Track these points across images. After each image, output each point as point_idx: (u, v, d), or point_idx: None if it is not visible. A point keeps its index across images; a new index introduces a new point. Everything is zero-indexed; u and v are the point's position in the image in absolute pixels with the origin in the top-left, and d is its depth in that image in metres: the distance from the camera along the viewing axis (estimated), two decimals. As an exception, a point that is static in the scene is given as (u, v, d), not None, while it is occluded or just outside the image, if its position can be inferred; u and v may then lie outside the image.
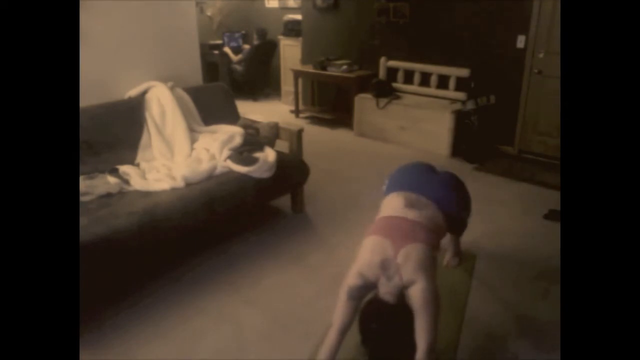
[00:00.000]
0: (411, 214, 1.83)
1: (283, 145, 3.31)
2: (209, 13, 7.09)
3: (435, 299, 1.62)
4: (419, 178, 2.08)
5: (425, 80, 4.99)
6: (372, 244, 1.73)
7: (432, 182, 2.05)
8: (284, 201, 3.38)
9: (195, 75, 3.66)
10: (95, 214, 2.30)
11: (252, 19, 7.41)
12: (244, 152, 2.99)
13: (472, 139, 4.42)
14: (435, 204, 1.92)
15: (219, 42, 7.06)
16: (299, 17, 6.24)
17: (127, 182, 2.66)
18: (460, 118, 4.47)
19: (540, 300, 2.40)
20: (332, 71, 5.45)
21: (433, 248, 1.76)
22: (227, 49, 6.91)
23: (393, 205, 1.92)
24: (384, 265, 1.65)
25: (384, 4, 5.09)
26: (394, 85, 5.16)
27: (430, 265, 1.69)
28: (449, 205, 1.97)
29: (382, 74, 5.26)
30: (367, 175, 4.03)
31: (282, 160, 3.04)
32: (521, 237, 3.04)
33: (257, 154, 2.99)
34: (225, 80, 6.62)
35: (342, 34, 5.64)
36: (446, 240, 2.24)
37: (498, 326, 2.22)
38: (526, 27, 4.25)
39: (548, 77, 4.24)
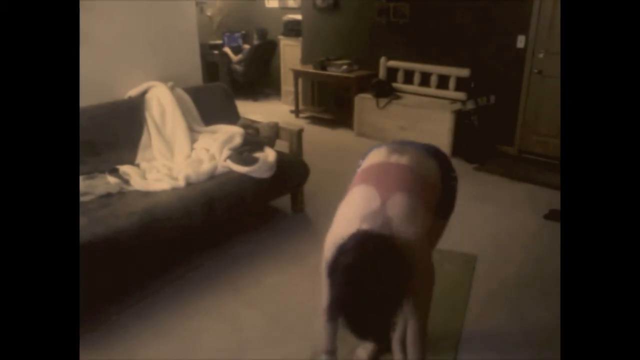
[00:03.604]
0: (403, 159, 1.61)
1: (283, 145, 3.31)
2: (209, 13, 7.08)
3: (427, 261, 1.47)
4: (398, 142, 1.88)
5: (425, 80, 4.99)
6: (351, 204, 1.55)
7: (412, 144, 1.82)
8: (284, 201, 3.38)
9: (195, 75, 3.66)
10: (95, 214, 2.30)
11: (252, 19, 7.40)
12: (244, 152, 2.99)
13: (472, 139, 4.42)
14: (423, 151, 1.72)
15: (219, 42, 7.05)
16: (299, 17, 6.24)
17: (127, 182, 2.66)
18: (460, 118, 4.47)
19: (540, 300, 2.40)
20: (332, 71, 5.45)
21: (427, 205, 1.53)
22: (227, 49, 6.91)
23: (375, 156, 1.71)
24: (369, 221, 1.43)
25: (384, 4, 5.09)
26: (394, 85, 5.16)
27: (421, 223, 1.46)
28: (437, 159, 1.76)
29: (382, 74, 5.25)
30: (367, 175, 4.02)
31: (282, 160, 3.04)
32: (521, 237, 3.04)
33: (257, 154, 2.99)
34: (225, 80, 6.62)
35: (342, 34, 5.64)
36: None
37: (498, 326, 2.22)
38: (526, 27, 4.25)
39: (548, 77, 4.24)
